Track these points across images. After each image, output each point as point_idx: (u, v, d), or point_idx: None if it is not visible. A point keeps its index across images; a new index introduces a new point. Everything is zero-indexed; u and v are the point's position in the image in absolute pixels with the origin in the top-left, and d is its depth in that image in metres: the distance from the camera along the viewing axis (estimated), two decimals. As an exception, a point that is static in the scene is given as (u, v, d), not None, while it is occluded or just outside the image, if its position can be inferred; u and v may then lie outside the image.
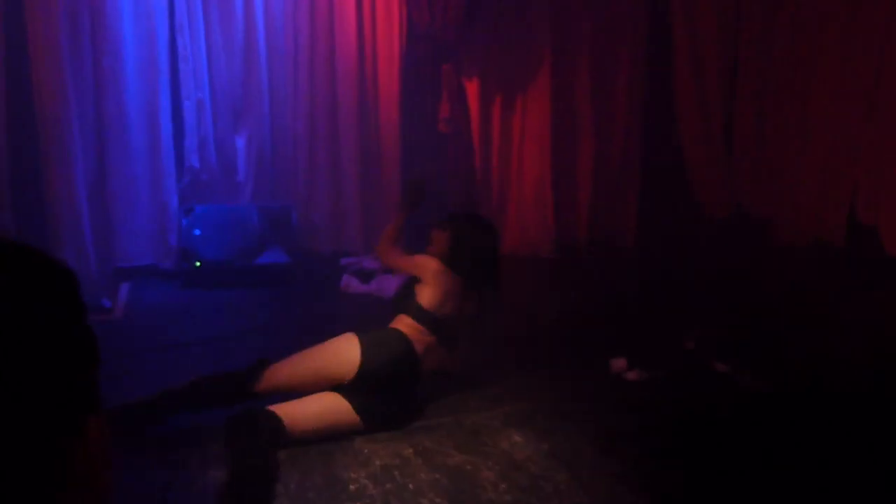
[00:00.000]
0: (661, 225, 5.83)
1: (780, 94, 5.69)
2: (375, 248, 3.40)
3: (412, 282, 3.13)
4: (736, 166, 6.01)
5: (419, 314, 3.03)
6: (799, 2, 5.46)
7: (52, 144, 4.47)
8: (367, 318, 3.52)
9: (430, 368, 3.05)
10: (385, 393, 2.87)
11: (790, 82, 5.60)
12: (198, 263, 4.84)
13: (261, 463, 2.52)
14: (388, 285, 4.85)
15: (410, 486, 2.55)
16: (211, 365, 3.46)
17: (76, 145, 4.56)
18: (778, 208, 5.73)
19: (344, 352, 2.89)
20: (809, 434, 2.94)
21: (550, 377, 3.47)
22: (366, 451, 2.77)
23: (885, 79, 4.76)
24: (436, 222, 3.22)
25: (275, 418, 2.69)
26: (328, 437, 2.80)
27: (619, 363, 3.56)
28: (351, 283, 4.92)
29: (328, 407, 2.82)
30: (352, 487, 2.53)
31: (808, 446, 2.84)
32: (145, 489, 2.50)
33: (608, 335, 4.02)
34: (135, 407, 2.78)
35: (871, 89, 4.87)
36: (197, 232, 4.90)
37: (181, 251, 4.97)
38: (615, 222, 5.98)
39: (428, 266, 3.07)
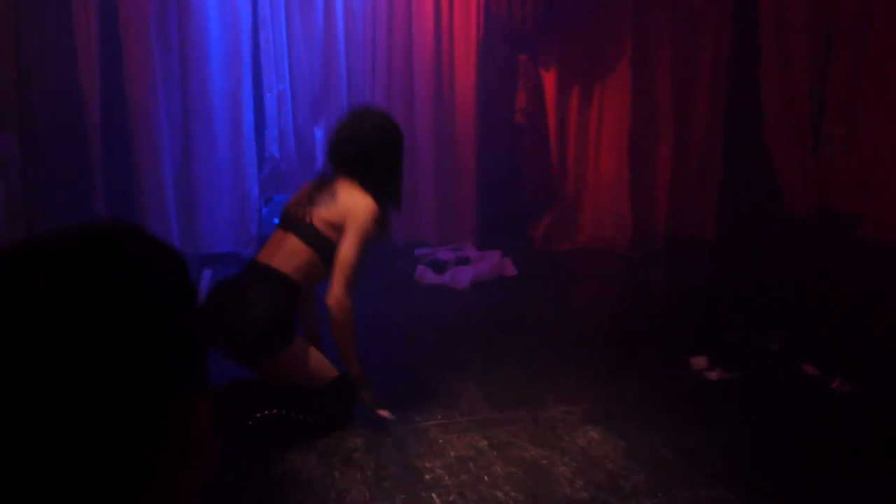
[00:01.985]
0: (744, 220, 5.64)
1: (875, 83, 5.42)
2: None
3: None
4: (824, 159, 5.76)
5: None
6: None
7: (141, 132, 4.65)
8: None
9: None
10: None
11: (886, 71, 5.33)
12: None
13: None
14: (463, 276, 4.85)
15: (485, 478, 2.54)
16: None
17: (163, 134, 4.73)
18: (868, 203, 5.47)
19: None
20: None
21: (630, 375, 3.40)
22: (441, 441, 2.78)
23: None
24: None
25: None
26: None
27: (699, 361, 3.46)
28: (425, 275, 4.93)
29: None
30: (427, 477, 2.54)
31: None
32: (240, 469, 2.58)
33: (689, 333, 3.91)
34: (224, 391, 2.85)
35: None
36: (276, 221, 4.99)
37: (261, 239, 5.08)
38: (695, 217, 5.82)
39: None
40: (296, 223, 2.84)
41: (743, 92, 5.74)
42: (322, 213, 2.81)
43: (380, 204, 2.80)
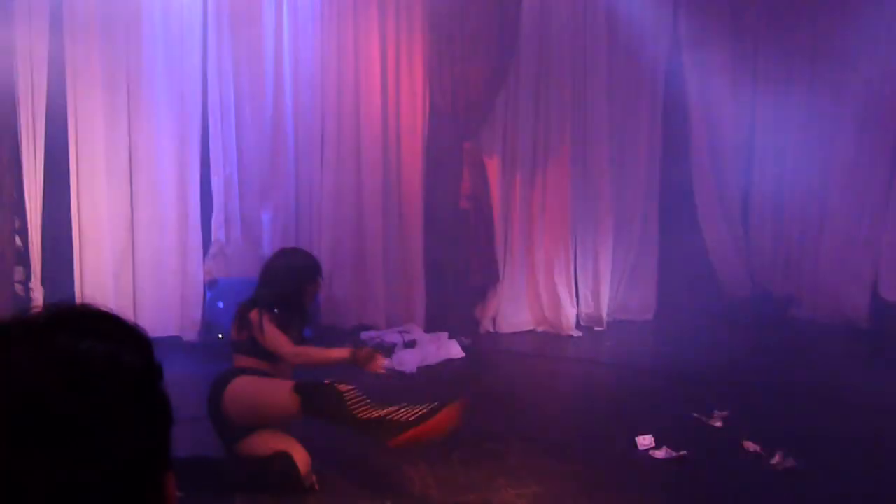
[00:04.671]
0: (683, 300, 5.82)
1: (797, 165, 5.74)
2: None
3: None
4: (753, 242, 6.04)
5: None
6: (815, 71, 5.58)
7: (85, 213, 4.60)
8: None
9: None
10: None
11: (806, 151, 5.66)
12: (221, 336, 4.85)
13: None
14: (410, 360, 4.84)
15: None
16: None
17: (107, 215, 4.69)
18: (798, 285, 5.72)
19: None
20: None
21: (579, 456, 3.41)
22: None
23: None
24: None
25: None
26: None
27: (645, 441, 3.50)
28: (372, 358, 4.90)
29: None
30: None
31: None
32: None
33: (633, 412, 3.97)
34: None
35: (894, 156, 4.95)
36: (220, 304, 4.93)
37: (205, 323, 5.00)
38: (637, 297, 5.99)
39: None
40: None
41: (678, 173, 6.02)
42: None
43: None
